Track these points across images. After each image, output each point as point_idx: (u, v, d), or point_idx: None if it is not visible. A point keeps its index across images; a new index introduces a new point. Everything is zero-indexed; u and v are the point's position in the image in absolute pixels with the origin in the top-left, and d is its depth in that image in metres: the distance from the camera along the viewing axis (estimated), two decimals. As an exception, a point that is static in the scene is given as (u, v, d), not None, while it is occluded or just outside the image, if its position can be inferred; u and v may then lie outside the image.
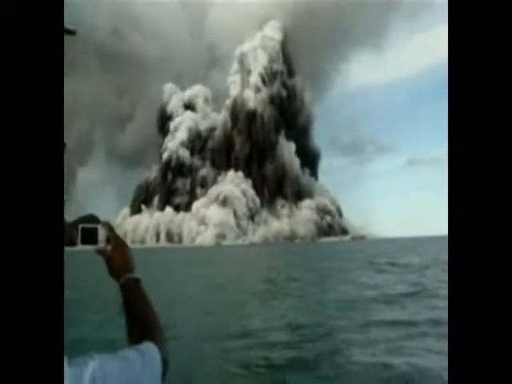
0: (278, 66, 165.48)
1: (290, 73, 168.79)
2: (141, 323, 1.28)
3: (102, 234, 1.38)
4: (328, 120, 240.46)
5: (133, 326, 1.29)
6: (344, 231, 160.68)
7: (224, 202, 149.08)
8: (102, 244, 1.37)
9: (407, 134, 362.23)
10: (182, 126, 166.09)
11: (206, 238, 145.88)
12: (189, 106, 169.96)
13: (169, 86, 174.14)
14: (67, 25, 1.29)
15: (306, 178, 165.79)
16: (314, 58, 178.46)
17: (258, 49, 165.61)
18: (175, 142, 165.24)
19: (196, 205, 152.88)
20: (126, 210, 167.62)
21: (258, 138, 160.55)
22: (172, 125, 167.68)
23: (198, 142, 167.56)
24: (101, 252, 1.38)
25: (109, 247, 1.38)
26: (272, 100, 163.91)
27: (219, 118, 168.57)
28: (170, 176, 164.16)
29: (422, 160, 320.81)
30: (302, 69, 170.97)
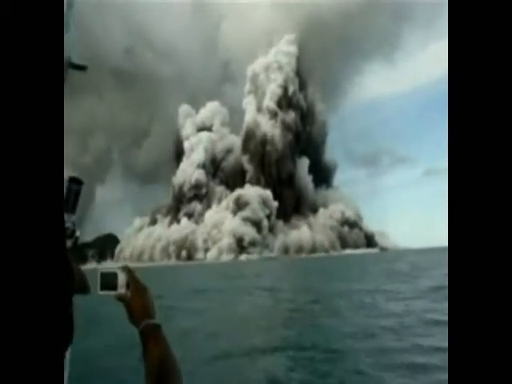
0: (293, 86, 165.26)
1: (303, 85, 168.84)
2: (159, 371, 1.25)
3: (121, 278, 1.34)
4: (342, 132, 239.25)
5: (151, 374, 1.25)
6: (369, 243, 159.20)
7: (241, 207, 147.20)
8: (121, 289, 1.33)
9: (422, 145, 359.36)
10: (199, 146, 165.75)
11: (223, 249, 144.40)
12: (204, 128, 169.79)
13: (183, 108, 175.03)
14: (78, 60, 1.35)
15: (321, 192, 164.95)
16: (327, 69, 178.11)
17: (271, 68, 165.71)
18: (191, 163, 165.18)
19: (210, 214, 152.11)
20: (141, 221, 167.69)
21: (271, 167, 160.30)
22: (187, 145, 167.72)
23: (213, 164, 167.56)
24: (121, 298, 1.33)
25: (128, 293, 1.33)
26: (287, 126, 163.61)
27: (235, 140, 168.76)
28: (185, 198, 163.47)
29: (437, 170, 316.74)
30: (315, 80, 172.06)
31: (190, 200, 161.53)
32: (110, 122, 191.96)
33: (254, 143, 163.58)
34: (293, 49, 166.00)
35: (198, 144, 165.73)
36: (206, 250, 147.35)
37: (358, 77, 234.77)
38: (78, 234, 1.36)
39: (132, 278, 1.34)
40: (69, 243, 1.33)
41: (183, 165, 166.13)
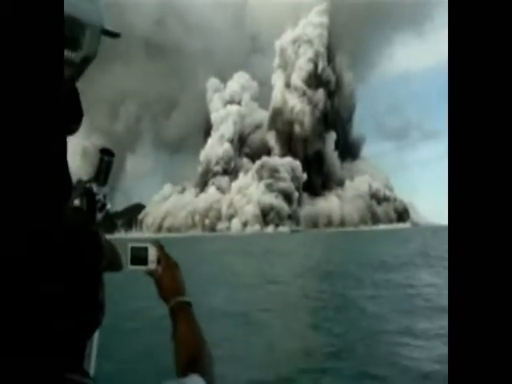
0: (323, 61, 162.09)
1: (332, 57, 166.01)
2: (188, 350, 1.23)
3: (152, 254, 1.33)
4: (371, 104, 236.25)
5: (180, 353, 1.24)
6: (399, 216, 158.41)
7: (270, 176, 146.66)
8: (152, 265, 1.32)
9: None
10: (228, 120, 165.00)
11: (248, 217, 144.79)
12: (233, 102, 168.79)
13: (212, 82, 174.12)
14: (108, 26, 1.30)
15: (348, 166, 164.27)
16: (357, 40, 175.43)
17: (299, 42, 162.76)
18: (219, 137, 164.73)
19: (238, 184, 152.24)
20: (170, 189, 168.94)
21: (298, 145, 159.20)
22: (216, 118, 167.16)
23: (240, 139, 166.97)
24: (151, 273, 1.32)
25: (159, 268, 1.32)
26: (315, 104, 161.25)
27: (264, 116, 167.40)
28: (212, 171, 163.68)
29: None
30: (344, 51, 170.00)
31: (217, 173, 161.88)
32: (139, 91, 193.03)
33: (281, 121, 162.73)
34: (323, 20, 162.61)
35: (226, 118, 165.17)
36: (231, 218, 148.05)
37: (388, 48, 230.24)
38: (108, 206, 1.35)
39: (163, 253, 1.34)
40: (99, 216, 1.32)
41: (211, 139, 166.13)
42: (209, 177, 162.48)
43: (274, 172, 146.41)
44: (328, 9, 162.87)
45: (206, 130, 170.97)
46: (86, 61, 1.37)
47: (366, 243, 59.96)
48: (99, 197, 1.33)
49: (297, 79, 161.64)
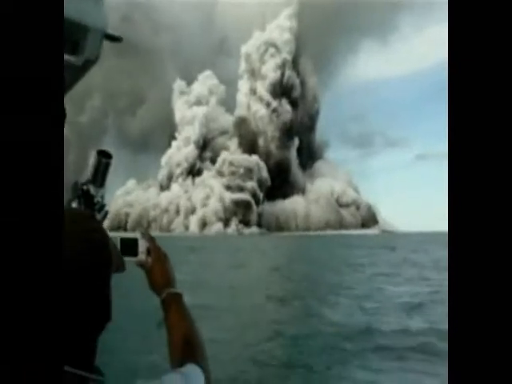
0: (289, 69, 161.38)
1: (297, 61, 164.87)
2: (183, 340, 1.24)
3: (142, 245, 1.34)
4: (335, 111, 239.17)
5: (174, 343, 1.25)
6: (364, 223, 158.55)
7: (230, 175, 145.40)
8: (142, 256, 1.33)
9: (416, 129, 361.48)
10: (194, 122, 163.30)
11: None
12: (200, 104, 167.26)
13: (178, 83, 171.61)
14: (112, 32, 1.32)
15: (311, 171, 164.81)
16: (322, 45, 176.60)
17: (265, 48, 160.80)
18: (183, 139, 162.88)
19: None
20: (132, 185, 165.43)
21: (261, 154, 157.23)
22: (181, 119, 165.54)
23: (204, 142, 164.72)
24: (141, 264, 1.34)
25: (149, 259, 1.34)
26: (280, 116, 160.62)
27: (230, 121, 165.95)
28: (175, 173, 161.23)
29: (430, 155, 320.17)
30: (309, 55, 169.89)
31: (181, 175, 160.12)
32: (106, 86, 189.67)
33: (245, 129, 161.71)
34: (291, 24, 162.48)
35: (192, 120, 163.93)
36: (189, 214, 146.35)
37: (353, 56, 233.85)
38: (107, 208, 1.37)
39: (153, 244, 1.35)
40: (98, 217, 1.33)
41: (176, 141, 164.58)
42: (173, 178, 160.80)
43: (237, 168, 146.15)
44: (296, 12, 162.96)
45: (171, 130, 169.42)
46: (88, 64, 1.38)
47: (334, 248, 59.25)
48: (97, 198, 1.33)
49: (262, 88, 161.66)
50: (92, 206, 1.33)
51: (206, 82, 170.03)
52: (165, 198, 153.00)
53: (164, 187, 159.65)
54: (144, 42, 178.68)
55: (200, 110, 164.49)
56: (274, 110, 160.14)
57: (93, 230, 0.94)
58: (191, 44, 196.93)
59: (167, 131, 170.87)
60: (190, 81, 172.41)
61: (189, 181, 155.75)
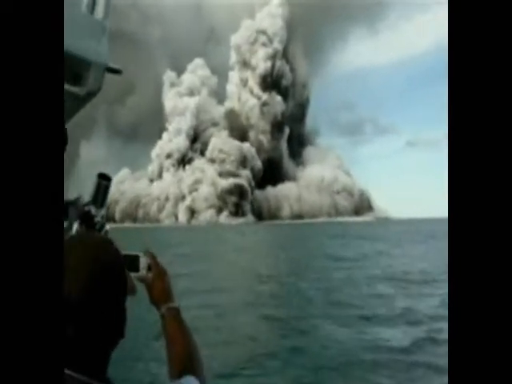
0: (280, 61, 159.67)
1: (287, 48, 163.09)
2: (181, 353, 1.32)
3: (143, 261, 1.43)
4: (325, 99, 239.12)
5: (173, 356, 1.32)
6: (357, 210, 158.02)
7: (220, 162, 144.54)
8: (143, 272, 1.42)
9: (406, 116, 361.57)
10: (185, 113, 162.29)
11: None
12: (192, 95, 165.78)
13: (169, 74, 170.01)
14: (112, 64, 1.44)
15: (301, 160, 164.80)
16: (312, 33, 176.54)
17: (255, 38, 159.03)
18: (174, 129, 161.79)
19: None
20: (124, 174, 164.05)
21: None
22: (172, 110, 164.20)
23: (195, 134, 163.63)
24: (142, 280, 1.42)
25: (150, 275, 1.43)
26: (271, 108, 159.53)
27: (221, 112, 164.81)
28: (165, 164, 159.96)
29: (420, 142, 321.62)
30: (299, 43, 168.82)
31: (172, 166, 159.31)
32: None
33: (235, 122, 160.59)
34: (282, 11, 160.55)
35: (183, 111, 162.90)
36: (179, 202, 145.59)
37: (342, 43, 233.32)
38: (107, 227, 1.45)
39: (154, 261, 1.43)
40: None
41: (167, 132, 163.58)
42: (163, 169, 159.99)
43: (229, 156, 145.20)
44: (286, 0, 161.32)
45: (162, 121, 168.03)
46: (90, 95, 1.51)
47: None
48: (98, 219, 1.42)
49: (252, 81, 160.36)
50: (93, 225, 1.42)
51: (196, 71, 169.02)
52: (157, 187, 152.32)
53: (155, 178, 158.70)
54: (133, 33, 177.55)
55: (192, 101, 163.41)
56: (265, 104, 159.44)
57: (114, 257, 1.06)
58: (180, 34, 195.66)
59: (158, 122, 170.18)
60: (180, 71, 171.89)
61: (180, 171, 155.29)
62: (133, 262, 1.39)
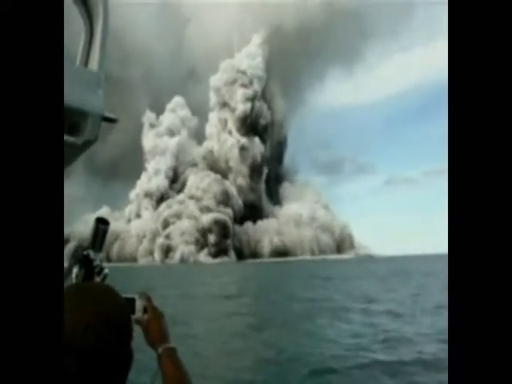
0: (258, 102, 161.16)
1: (266, 88, 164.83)
2: None
3: (139, 304, 1.47)
4: (304, 138, 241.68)
5: None
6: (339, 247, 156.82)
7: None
8: (139, 314, 1.46)
9: (384, 155, 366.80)
10: (165, 153, 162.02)
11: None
12: (172, 135, 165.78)
13: (148, 115, 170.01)
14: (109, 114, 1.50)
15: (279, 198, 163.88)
16: (289, 73, 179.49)
17: (234, 80, 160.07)
18: (154, 169, 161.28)
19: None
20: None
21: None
22: (152, 149, 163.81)
23: (175, 174, 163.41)
24: (138, 322, 1.46)
25: (145, 317, 1.47)
26: (249, 152, 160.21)
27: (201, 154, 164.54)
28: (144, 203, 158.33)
29: (397, 180, 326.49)
30: (277, 82, 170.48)
31: (150, 205, 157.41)
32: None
33: (214, 165, 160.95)
34: (262, 52, 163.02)
35: (163, 151, 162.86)
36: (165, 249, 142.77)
37: (320, 83, 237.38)
38: (106, 271, 1.49)
39: (150, 304, 1.49)
40: (98, 279, 1.46)
41: (146, 172, 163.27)
42: (142, 207, 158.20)
43: (208, 194, 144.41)
44: (266, 40, 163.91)
45: (142, 161, 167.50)
46: (87, 144, 1.57)
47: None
48: (96, 262, 1.47)
49: (231, 123, 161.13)
50: (92, 269, 1.46)
51: (177, 111, 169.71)
52: (135, 225, 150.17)
53: (133, 218, 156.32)
54: (113, 72, 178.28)
55: (172, 141, 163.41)
56: (243, 148, 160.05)
57: (121, 306, 1.16)
58: (161, 73, 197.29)
59: (138, 161, 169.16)
60: (160, 111, 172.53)
61: (160, 208, 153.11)
62: (129, 305, 1.39)
